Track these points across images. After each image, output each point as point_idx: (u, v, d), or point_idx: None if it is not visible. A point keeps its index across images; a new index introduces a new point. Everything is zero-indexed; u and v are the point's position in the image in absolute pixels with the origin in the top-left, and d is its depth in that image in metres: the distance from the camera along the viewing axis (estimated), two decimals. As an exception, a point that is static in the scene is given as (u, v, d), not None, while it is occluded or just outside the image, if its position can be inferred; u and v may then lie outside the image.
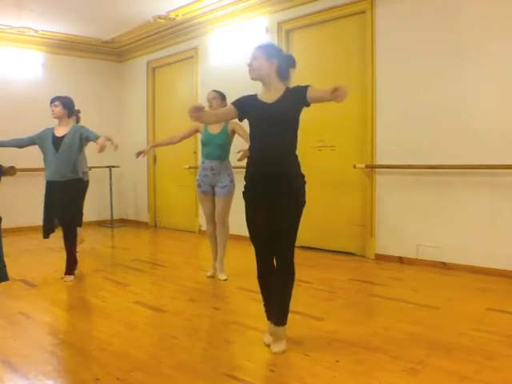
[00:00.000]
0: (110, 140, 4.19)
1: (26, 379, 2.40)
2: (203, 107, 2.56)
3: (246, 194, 2.67)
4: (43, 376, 2.42)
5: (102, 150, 4.06)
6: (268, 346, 2.73)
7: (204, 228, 7.14)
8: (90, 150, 5.10)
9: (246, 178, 2.67)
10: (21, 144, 4.40)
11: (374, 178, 5.17)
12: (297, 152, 2.64)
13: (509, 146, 4.20)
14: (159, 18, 6.83)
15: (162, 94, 8.05)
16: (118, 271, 4.84)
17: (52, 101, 4.30)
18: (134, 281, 4.40)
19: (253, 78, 2.64)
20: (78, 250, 5.56)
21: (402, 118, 4.87)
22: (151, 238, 7.38)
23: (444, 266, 4.61)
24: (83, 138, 4.28)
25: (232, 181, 4.30)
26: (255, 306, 3.61)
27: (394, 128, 4.93)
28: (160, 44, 7.73)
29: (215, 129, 4.27)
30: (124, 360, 2.60)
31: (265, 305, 2.80)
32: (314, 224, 5.39)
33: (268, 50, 2.62)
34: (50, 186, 4.23)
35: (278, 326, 2.65)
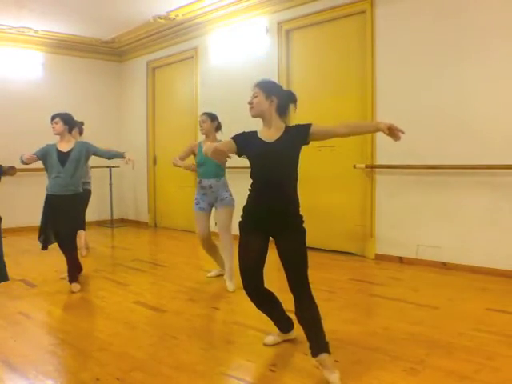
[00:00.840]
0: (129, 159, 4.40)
1: (26, 379, 2.40)
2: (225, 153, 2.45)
3: (243, 224, 2.60)
4: (43, 376, 2.42)
5: (133, 164, 4.35)
6: (266, 345, 2.73)
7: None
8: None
9: (244, 209, 2.59)
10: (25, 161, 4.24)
11: (374, 178, 5.17)
12: (298, 192, 2.56)
13: (509, 145, 4.20)
14: (159, 18, 6.83)
15: (162, 94, 8.04)
16: (118, 271, 4.84)
17: (52, 118, 4.27)
18: (134, 281, 4.40)
19: (253, 116, 2.58)
20: (84, 254, 5.59)
21: (401, 118, 4.85)
22: (151, 238, 7.38)
23: (444, 266, 4.61)
24: (89, 154, 4.31)
25: (231, 195, 4.21)
26: (255, 306, 3.62)
27: (393, 128, 4.92)
28: (160, 44, 7.73)
29: None
30: (124, 360, 2.60)
31: (271, 320, 2.78)
32: (314, 224, 5.36)
33: (267, 88, 2.55)
34: (53, 200, 4.16)
35: (320, 354, 2.38)
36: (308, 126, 2.49)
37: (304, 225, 2.52)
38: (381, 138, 5.10)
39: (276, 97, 2.53)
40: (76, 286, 4.10)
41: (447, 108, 4.56)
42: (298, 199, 2.55)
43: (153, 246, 6.92)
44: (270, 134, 2.54)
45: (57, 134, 4.25)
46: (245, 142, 2.55)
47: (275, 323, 2.81)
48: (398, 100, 4.91)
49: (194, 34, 7.12)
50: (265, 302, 2.70)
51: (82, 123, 5.77)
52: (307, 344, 2.43)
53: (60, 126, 4.22)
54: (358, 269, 4.84)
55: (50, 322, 3.37)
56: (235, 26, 6.46)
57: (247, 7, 6.19)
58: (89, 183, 5.76)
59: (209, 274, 4.50)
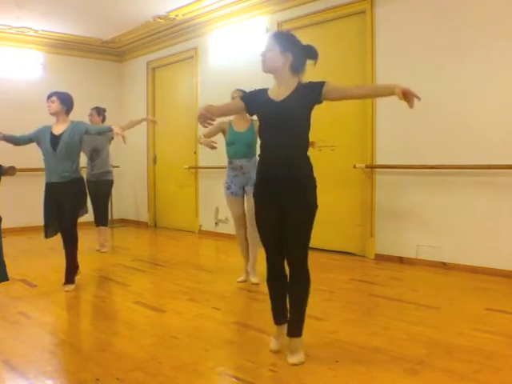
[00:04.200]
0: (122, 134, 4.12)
1: (26, 379, 2.40)
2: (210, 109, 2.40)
3: (256, 193, 2.56)
4: (43, 376, 2.42)
5: (123, 138, 4.03)
6: (274, 352, 2.60)
7: (204, 228, 7.18)
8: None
9: (256, 176, 2.58)
10: (18, 142, 4.21)
11: (374, 178, 5.16)
12: (308, 153, 2.54)
13: (509, 146, 4.20)
14: (159, 18, 6.83)
15: (162, 94, 8.05)
16: (118, 271, 4.83)
17: (49, 96, 4.08)
18: (134, 281, 4.39)
19: (265, 71, 2.47)
20: (104, 250, 5.70)
21: (401, 118, 4.86)
22: (151, 238, 7.38)
23: (444, 265, 4.60)
24: (81, 134, 4.06)
25: None
26: (255, 306, 3.62)
27: (393, 128, 4.93)
28: (160, 44, 7.73)
29: (242, 127, 4.13)
30: (124, 360, 2.60)
31: (272, 309, 2.65)
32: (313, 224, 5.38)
33: (284, 42, 2.44)
34: (50, 188, 4.04)
35: (292, 337, 2.49)
36: (322, 83, 2.41)
37: (316, 197, 2.52)
38: (381, 138, 5.11)
39: (292, 53, 2.43)
40: (70, 287, 4.00)
41: (447, 108, 4.56)
42: (308, 160, 2.51)
43: (153, 246, 6.92)
44: (280, 91, 2.45)
45: (52, 114, 4.08)
46: (253, 101, 2.49)
47: (274, 313, 2.64)
48: (397, 100, 4.88)
49: (194, 34, 7.11)
50: (279, 286, 2.57)
51: (104, 110, 5.85)
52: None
53: (56, 105, 4.03)
54: (357, 269, 4.84)
55: (50, 322, 3.37)
56: (235, 26, 6.46)
57: (247, 7, 6.19)
58: (110, 172, 5.69)
59: (240, 279, 4.24)
